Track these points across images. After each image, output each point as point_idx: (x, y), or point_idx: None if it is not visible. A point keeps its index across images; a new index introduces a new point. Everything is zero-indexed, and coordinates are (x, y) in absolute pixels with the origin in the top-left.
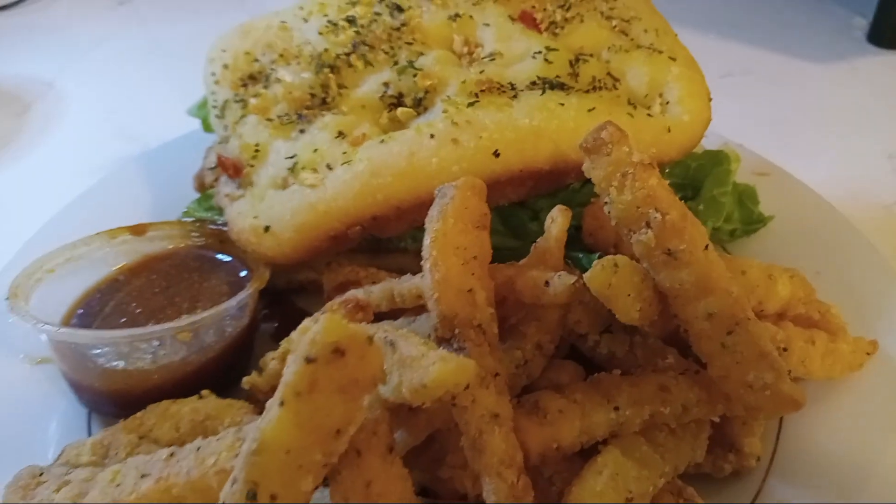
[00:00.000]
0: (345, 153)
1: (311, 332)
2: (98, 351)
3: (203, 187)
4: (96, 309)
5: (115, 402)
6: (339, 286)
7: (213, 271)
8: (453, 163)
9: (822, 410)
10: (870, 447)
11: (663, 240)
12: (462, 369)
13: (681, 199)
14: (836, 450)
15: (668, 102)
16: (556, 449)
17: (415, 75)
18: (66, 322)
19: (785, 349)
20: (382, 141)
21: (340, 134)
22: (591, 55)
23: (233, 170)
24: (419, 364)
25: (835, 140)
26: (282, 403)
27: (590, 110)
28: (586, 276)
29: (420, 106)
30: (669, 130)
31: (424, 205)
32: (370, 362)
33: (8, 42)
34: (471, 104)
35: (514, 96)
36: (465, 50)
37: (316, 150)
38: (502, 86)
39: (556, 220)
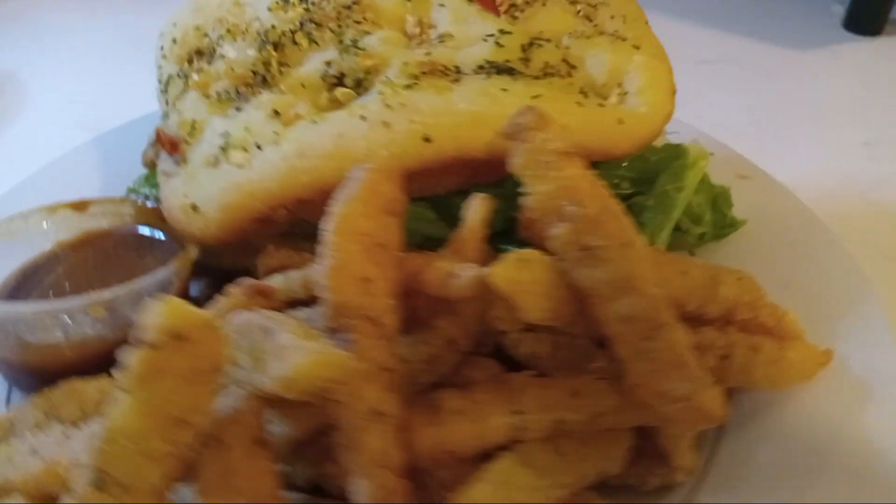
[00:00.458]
0: (276, 133)
1: (151, 316)
2: (13, 325)
3: (151, 164)
4: (32, 283)
5: (31, 377)
6: (272, 270)
7: (150, 249)
8: (382, 146)
9: (764, 422)
10: (810, 465)
11: (579, 234)
12: (331, 363)
13: (634, 194)
14: (775, 465)
15: (626, 93)
16: (449, 452)
17: (356, 55)
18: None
19: (725, 357)
20: (314, 122)
21: (275, 113)
22: (549, 40)
23: (169, 146)
24: (289, 355)
25: (811, 126)
26: (126, 389)
27: (534, 97)
28: (490, 269)
29: (360, 87)
30: (622, 122)
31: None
32: (212, 349)
33: None
34: (408, 86)
35: (457, 80)
36: (418, 31)
37: (248, 129)
38: (447, 69)
39: (475, 209)
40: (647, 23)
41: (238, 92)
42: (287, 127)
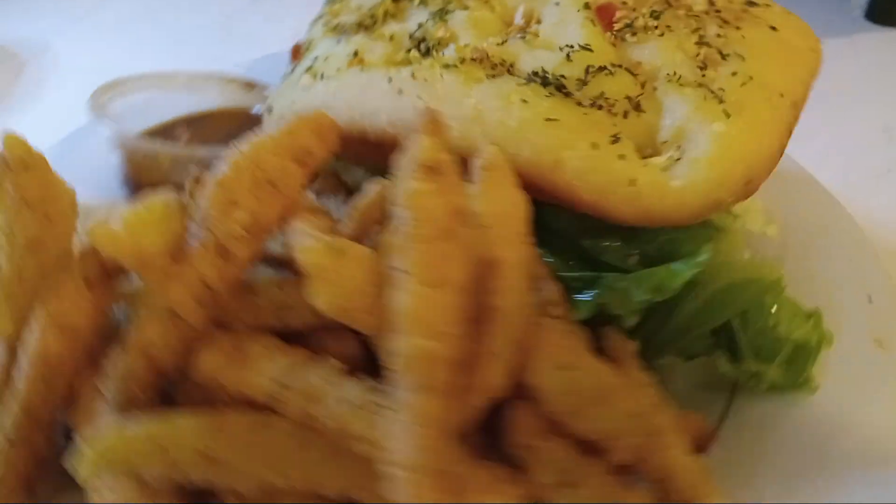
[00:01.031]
0: (338, 70)
1: None
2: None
3: None
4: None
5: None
6: None
7: None
8: (385, 111)
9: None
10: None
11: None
12: (108, 236)
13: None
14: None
15: (678, 159)
16: (214, 380)
17: (437, 24)
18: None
19: None
20: (362, 70)
21: (354, 54)
22: (630, 71)
23: (294, 53)
24: (98, 217)
25: (833, 112)
26: None
27: (547, 119)
28: (301, 245)
29: (427, 54)
30: (633, 183)
31: (366, 143)
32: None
33: (5, 1)
34: (446, 66)
35: (495, 76)
36: (523, 23)
37: (327, 59)
38: (500, 63)
39: (367, 192)
40: (779, 97)
41: (353, 27)
42: (349, 68)
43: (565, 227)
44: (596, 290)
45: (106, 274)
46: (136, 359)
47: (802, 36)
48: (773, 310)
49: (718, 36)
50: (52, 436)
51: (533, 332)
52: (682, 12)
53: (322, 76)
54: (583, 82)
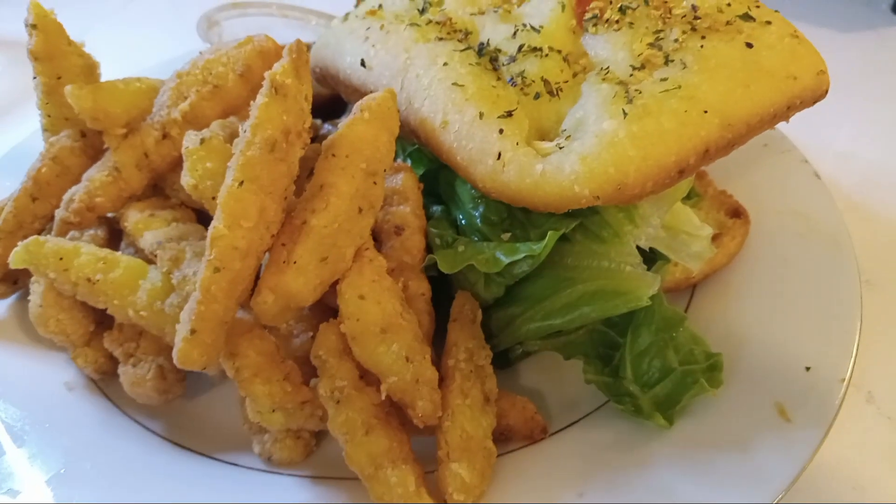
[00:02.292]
0: (356, 17)
1: None
2: None
3: None
4: None
5: None
6: None
7: None
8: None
9: None
10: None
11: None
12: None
13: None
14: None
15: (561, 147)
16: None
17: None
18: None
19: None
20: (367, 17)
21: (379, 6)
22: (574, 62)
23: None
24: None
25: (857, 105)
26: None
27: (454, 83)
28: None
29: (422, 13)
30: (499, 159)
31: (339, 83)
32: None
33: None
34: (412, 24)
35: (442, 39)
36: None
37: (364, 5)
38: (456, 30)
39: None
40: (702, 113)
41: None
42: (364, 17)
43: (462, 194)
44: (464, 248)
45: (98, 130)
46: (82, 197)
47: (790, 61)
48: (672, 335)
49: (675, 41)
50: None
51: (356, 258)
52: (657, 12)
53: (346, 19)
54: (512, 58)
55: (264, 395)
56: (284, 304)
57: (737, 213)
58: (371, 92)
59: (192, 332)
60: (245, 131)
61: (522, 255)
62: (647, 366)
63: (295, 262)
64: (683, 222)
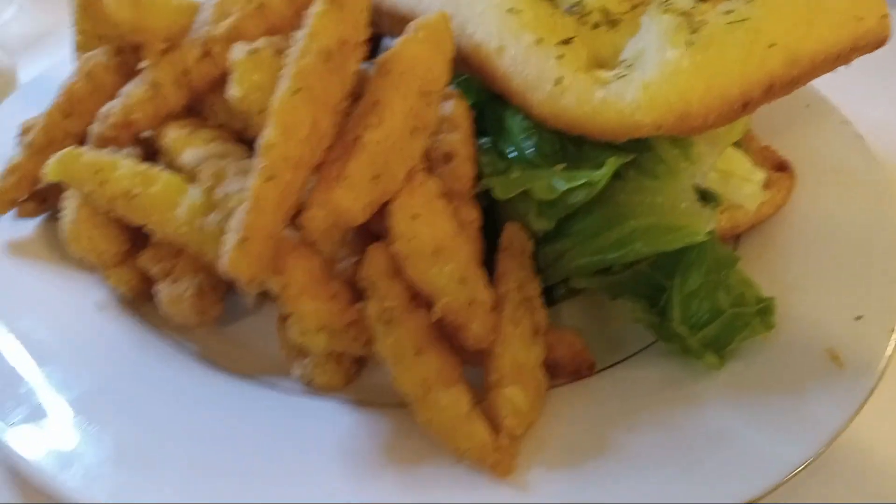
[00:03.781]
0: None
1: None
2: None
3: None
4: None
5: None
6: None
7: None
8: None
9: None
10: None
11: None
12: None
13: None
14: None
15: (622, 77)
16: None
17: None
18: None
19: None
20: None
21: None
22: None
23: None
24: None
25: None
26: None
27: (510, 10)
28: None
29: None
30: (558, 84)
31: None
32: None
33: None
34: None
35: None
36: None
37: None
38: None
39: None
40: (767, 46)
41: None
42: None
43: (512, 126)
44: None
45: (134, 48)
46: (119, 113)
47: (854, 2)
48: (723, 276)
49: None
50: None
51: (407, 179)
52: None
53: None
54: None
55: (312, 313)
56: (333, 221)
57: (782, 166)
58: None
59: (242, 240)
60: (299, 41)
61: (581, 181)
62: (696, 307)
63: (346, 179)
64: (736, 165)
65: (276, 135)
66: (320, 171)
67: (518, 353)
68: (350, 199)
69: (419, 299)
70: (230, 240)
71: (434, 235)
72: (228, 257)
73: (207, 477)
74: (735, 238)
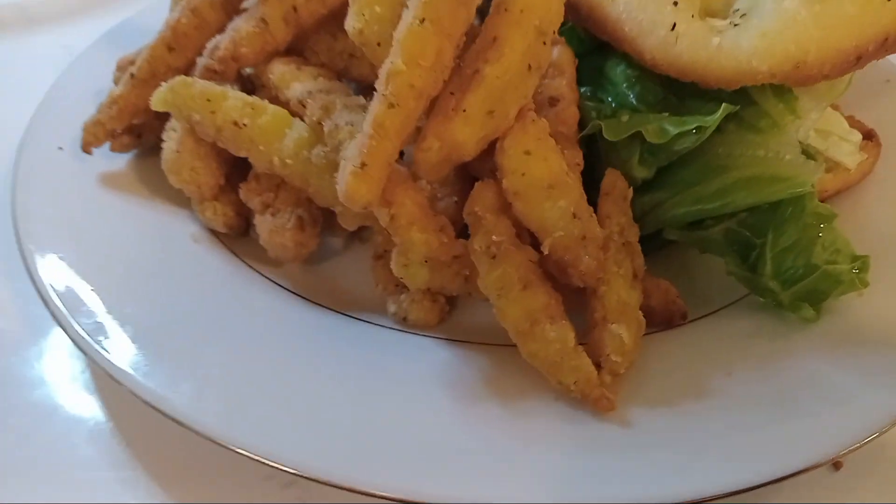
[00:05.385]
0: None
1: None
2: None
3: None
4: None
5: None
6: None
7: None
8: None
9: None
10: None
11: None
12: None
13: None
14: None
15: (736, 25)
16: None
17: None
18: None
19: None
20: None
21: None
22: None
23: None
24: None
25: None
26: None
27: None
28: None
29: None
30: (673, 29)
31: None
32: None
33: None
34: None
35: None
36: None
37: None
38: None
39: None
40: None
41: None
42: None
43: (614, 76)
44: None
45: None
46: (227, 45)
47: None
48: (819, 233)
49: None
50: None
51: (518, 117)
52: None
53: None
54: None
55: (421, 243)
56: (447, 153)
57: (868, 135)
58: None
59: (363, 165)
60: None
61: (693, 125)
62: (790, 262)
63: (464, 111)
64: (834, 124)
65: (401, 62)
66: (437, 103)
67: (622, 292)
68: (466, 133)
69: (524, 237)
70: (349, 165)
71: (547, 171)
72: (347, 182)
73: (308, 399)
74: (822, 202)
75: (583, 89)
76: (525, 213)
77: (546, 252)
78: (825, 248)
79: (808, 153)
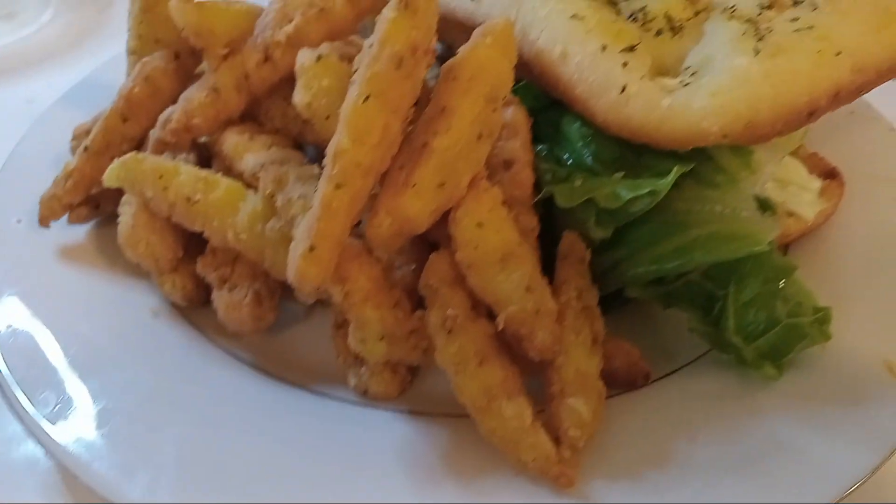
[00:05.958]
0: None
1: None
2: None
3: None
4: None
5: None
6: None
7: None
8: None
9: None
10: None
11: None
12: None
13: None
14: None
15: (686, 84)
16: None
17: None
18: None
19: None
20: None
21: None
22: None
23: None
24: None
25: None
26: None
27: (574, 15)
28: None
29: None
30: (623, 91)
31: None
32: None
33: None
34: None
35: None
36: None
37: None
38: None
39: None
40: (834, 54)
41: None
42: None
43: (570, 133)
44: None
45: (192, 52)
46: (179, 117)
47: None
48: (780, 286)
49: None
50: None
51: (471, 186)
52: None
53: None
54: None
55: (375, 321)
56: (399, 228)
57: (831, 174)
58: (478, 25)
59: (311, 248)
60: (371, 46)
61: (646, 189)
62: (752, 317)
63: (414, 185)
64: (793, 174)
65: (347, 141)
66: (387, 177)
67: (580, 362)
68: (417, 207)
69: (480, 308)
70: (298, 247)
71: (500, 243)
72: (297, 265)
73: (267, 483)
74: (784, 247)
75: (539, 147)
76: (479, 286)
77: (500, 328)
78: (787, 301)
79: (766, 205)
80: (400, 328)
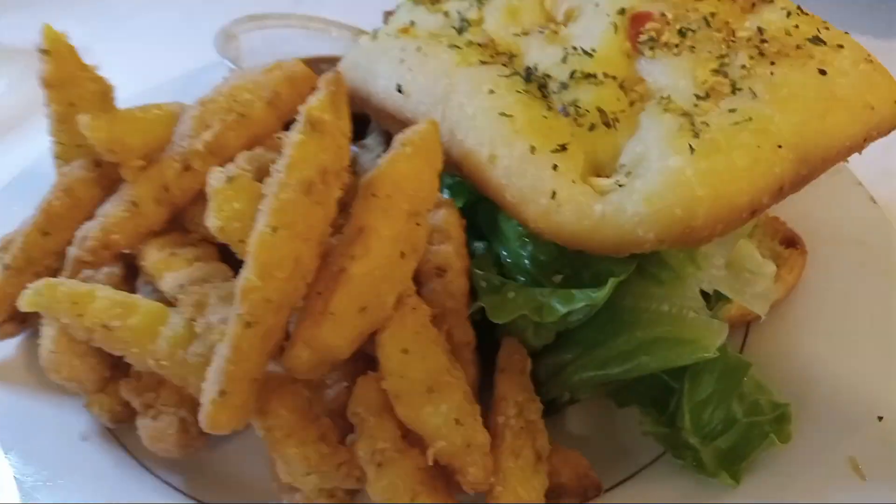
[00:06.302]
0: (387, 35)
1: None
2: None
3: None
4: None
5: None
6: None
7: None
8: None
9: None
10: None
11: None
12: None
13: None
14: None
15: (621, 185)
16: None
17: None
18: None
19: None
20: (399, 37)
21: (411, 23)
22: (631, 89)
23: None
24: None
25: None
26: None
27: (502, 113)
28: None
29: (461, 33)
30: (553, 197)
31: (371, 106)
32: None
33: (46, 6)
34: (452, 45)
35: (486, 63)
36: (563, 18)
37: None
38: (499, 53)
39: None
40: (775, 147)
41: None
42: (397, 36)
43: (507, 230)
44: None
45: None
46: (97, 235)
47: (867, 89)
48: (736, 384)
49: (743, 67)
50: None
51: (397, 305)
52: (720, 35)
53: (375, 37)
54: (563, 86)
55: (298, 458)
56: (320, 358)
57: (792, 241)
58: (407, 119)
59: (222, 393)
60: (278, 171)
61: (581, 303)
62: (708, 416)
63: (332, 314)
64: (746, 259)
65: (255, 277)
66: (304, 305)
67: (519, 488)
68: (336, 336)
69: (411, 437)
70: (208, 392)
71: (426, 371)
72: (208, 412)
73: None
74: (745, 323)
75: (478, 244)
76: (407, 417)
77: (430, 462)
78: (743, 399)
79: (718, 296)
80: (325, 464)
